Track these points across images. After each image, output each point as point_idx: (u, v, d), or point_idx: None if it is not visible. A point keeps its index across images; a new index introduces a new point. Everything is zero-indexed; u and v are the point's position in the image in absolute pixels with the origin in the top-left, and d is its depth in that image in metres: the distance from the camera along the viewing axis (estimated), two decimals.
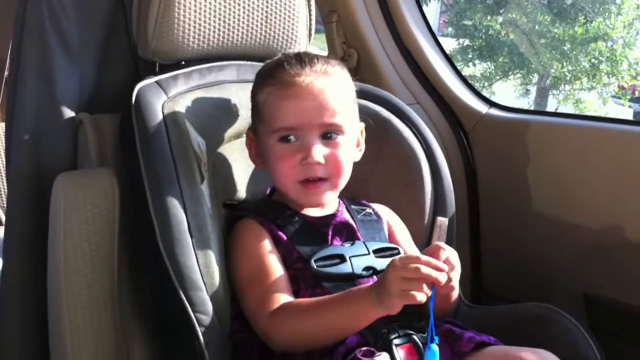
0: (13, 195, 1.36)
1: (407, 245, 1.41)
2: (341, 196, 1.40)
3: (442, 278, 1.10)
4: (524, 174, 1.81)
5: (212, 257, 1.24)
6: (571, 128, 1.80)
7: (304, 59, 1.30)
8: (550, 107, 6.85)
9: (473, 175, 1.92)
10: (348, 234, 1.35)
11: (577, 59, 6.69)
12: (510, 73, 7.12)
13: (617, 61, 6.57)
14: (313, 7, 1.55)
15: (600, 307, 1.68)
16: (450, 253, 1.16)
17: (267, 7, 1.45)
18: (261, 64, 1.37)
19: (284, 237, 1.29)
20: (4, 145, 1.48)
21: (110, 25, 1.42)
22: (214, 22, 1.39)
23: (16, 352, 1.37)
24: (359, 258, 1.28)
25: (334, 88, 1.29)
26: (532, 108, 6.59)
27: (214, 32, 1.40)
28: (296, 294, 1.25)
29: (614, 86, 6.79)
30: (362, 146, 1.40)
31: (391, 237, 1.42)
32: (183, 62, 1.42)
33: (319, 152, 1.27)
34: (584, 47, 6.59)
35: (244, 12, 1.42)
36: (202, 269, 1.21)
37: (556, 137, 1.78)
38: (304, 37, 1.54)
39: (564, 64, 6.70)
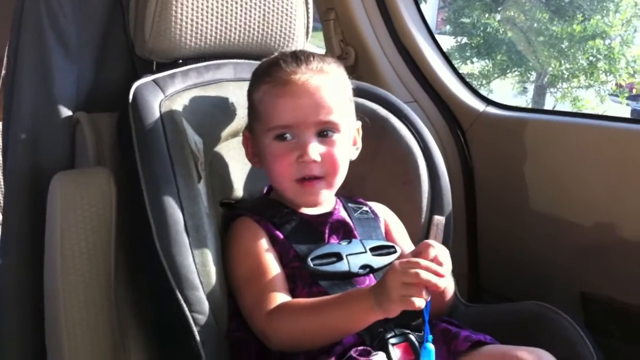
0: (10, 194, 1.36)
1: (404, 243, 1.41)
2: (338, 194, 1.40)
3: (441, 283, 1.10)
4: (521, 172, 1.81)
5: (209, 256, 1.23)
6: (569, 126, 1.80)
7: (300, 57, 1.29)
8: (548, 105, 6.85)
9: (470, 173, 1.92)
10: (345, 232, 1.35)
11: (574, 57, 6.69)
12: (508, 71, 7.11)
13: (615, 59, 6.57)
14: (310, 5, 1.55)
15: (597, 306, 1.68)
16: (439, 250, 1.15)
17: (264, 5, 1.45)
18: (258, 63, 1.37)
19: (281, 236, 1.29)
20: (1, 144, 1.48)
21: (107, 23, 1.42)
22: (211, 20, 1.39)
23: (14, 351, 1.37)
24: (355, 256, 1.28)
25: (330, 86, 1.29)
26: (529, 106, 6.59)
27: (211, 30, 1.39)
28: (293, 292, 1.25)
29: (611, 84, 6.79)
30: (359, 144, 1.40)
31: (388, 236, 1.42)
32: (180, 61, 1.42)
33: (315, 150, 1.27)
34: (582, 45, 6.59)
35: (241, 11, 1.42)
36: (199, 269, 1.21)
37: (553, 135, 1.79)
38: (302, 35, 1.54)
39: (562, 61, 6.70)
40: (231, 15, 1.41)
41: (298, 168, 1.28)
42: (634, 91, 6.90)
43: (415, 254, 1.17)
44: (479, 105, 1.94)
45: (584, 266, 1.70)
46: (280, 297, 1.22)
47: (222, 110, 1.40)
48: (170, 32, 1.35)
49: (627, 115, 6.62)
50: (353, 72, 1.94)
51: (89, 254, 1.26)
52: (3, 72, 1.37)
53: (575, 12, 6.68)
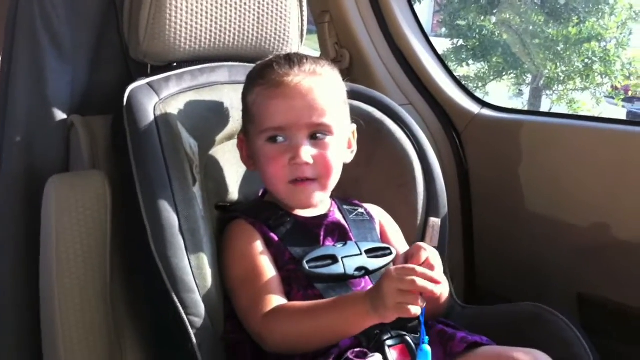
0: (5, 197, 1.35)
1: (400, 245, 1.41)
2: (333, 196, 1.40)
3: (437, 290, 1.10)
4: (517, 173, 1.81)
5: (205, 259, 1.23)
6: (564, 128, 1.80)
7: (293, 60, 1.30)
8: (544, 107, 6.87)
9: (465, 175, 1.92)
10: (340, 234, 1.35)
11: (570, 60, 6.71)
12: (504, 73, 7.13)
13: (611, 61, 6.59)
14: (305, 8, 1.55)
15: (594, 307, 1.68)
16: (430, 253, 1.16)
17: (259, 8, 1.45)
18: (253, 65, 1.37)
19: (276, 238, 1.29)
20: None
21: (101, 25, 1.42)
22: (206, 23, 1.39)
23: (10, 355, 1.37)
24: (351, 258, 1.28)
25: (322, 88, 1.29)
26: (526, 108, 6.60)
27: (205, 33, 1.39)
28: (288, 295, 1.25)
29: (607, 86, 6.81)
30: (354, 147, 1.40)
31: (383, 237, 1.42)
32: (175, 64, 1.42)
33: (307, 152, 1.27)
34: (578, 48, 6.61)
35: (235, 13, 1.42)
36: (195, 271, 1.21)
37: (549, 137, 1.79)
38: (296, 38, 1.54)
39: (558, 64, 6.72)
40: (225, 18, 1.41)
41: (290, 170, 1.28)
42: (630, 93, 6.92)
43: (406, 256, 1.17)
44: (474, 108, 1.94)
45: (581, 267, 1.70)
46: (276, 300, 1.22)
47: (217, 113, 1.40)
48: (165, 35, 1.35)
49: (623, 117, 6.63)
50: (348, 74, 1.94)
51: (84, 256, 1.25)
52: None
53: (571, 15, 6.70)
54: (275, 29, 1.49)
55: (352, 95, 1.43)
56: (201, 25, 1.38)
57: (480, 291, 1.92)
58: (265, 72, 1.30)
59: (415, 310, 1.09)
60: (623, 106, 6.80)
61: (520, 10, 6.76)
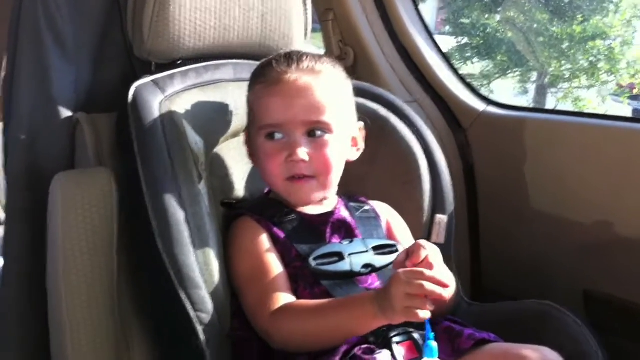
0: (11, 195, 1.36)
1: (407, 242, 1.40)
2: (339, 194, 1.40)
3: (446, 294, 1.10)
4: (522, 171, 1.81)
5: (211, 255, 1.23)
6: (570, 125, 1.79)
7: (292, 57, 1.30)
8: (549, 105, 6.85)
9: (471, 172, 1.92)
10: (346, 231, 1.35)
11: (575, 58, 6.69)
12: (509, 71, 7.12)
13: (616, 59, 6.58)
14: (309, 6, 1.55)
15: (599, 304, 1.68)
16: (430, 251, 1.15)
17: (263, 5, 1.45)
18: (258, 63, 1.37)
19: (282, 235, 1.29)
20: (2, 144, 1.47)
21: (105, 24, 1.42)
22: (210, 20, 1.39)
23: (17, 352, 1.37)
24: (357, 256, 1.28)
25: (321, 86, 1.29)
26: (531, 107, 6.59)
27: (210, 31, 1.39)
28: (295, 292, 1.25)
29: (612, 84, 6.80)
30: (361, 145, 1.40)
31: (390, 234, 1.41)
32: (179, 62, 1.42)
33: (303, 149, 1.27)
34: (582, 46, 6.59)
35: (240, 11, 1.42)
36: (202, 268, 1.21)
37: (554, 135, 1.78)
38: (301, 36, 1.54)
39: (563, 62, 6.71)
40: (230, 15, 1.41)
41: (287, 167, 1.28)
42: (635, 91, 6.91)
43: (406, 255, 1.16)
44: (480, 105, 1.93)
45: (586, 264, 1.69)
46: (284, 297, 1.22)
47: (222, 110, 1.40)
48: (169, 33, 1.35)
49: (629, 115, 6.62)
50: (352, 72, 1.94)
51: (90, 254, 1.25)
52: (3, 72, 1.36)
53: (575, 13, 6.68)
54: (280, 27, 1.48)
55: (357, 92, 1.42)
56: (205, 23, 1.38)
57: (486, 289, 1.91)
58: (265, 70, 1.31)
59: (424, 314, 1.09)
60: (629, 104, 6.79)
61: (524, 9, 6.75)
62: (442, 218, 1.51)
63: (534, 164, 1.79)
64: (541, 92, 7.04)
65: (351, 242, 1.31)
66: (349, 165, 1.38)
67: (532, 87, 7.21)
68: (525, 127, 1.82)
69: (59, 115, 1.35)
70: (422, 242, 1.17)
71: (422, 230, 1.50)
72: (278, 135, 1.28)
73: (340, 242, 1.31)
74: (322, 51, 2.02)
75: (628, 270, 1.62)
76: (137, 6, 1.36)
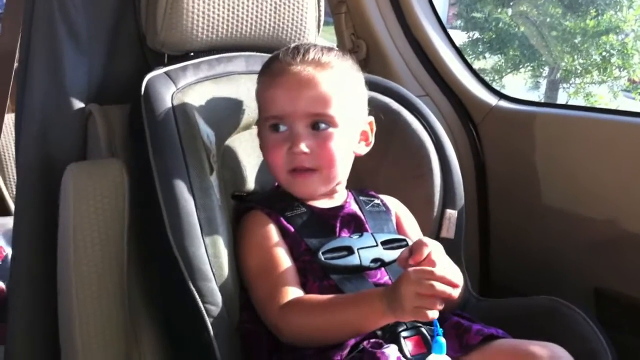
0: (22, 186, 1.36)
1: (416, 236, 1.39)
2: (349, 188, 1.40)
3: (455, 293, 1.09)
4: (534, 166, 1.80)
5: (222, 248, 1.23)
6: (581, 120, 1.78)
7: (298, 50, 1.30)
8: (561, 100, 6.82)
9: (482, 167, 1.91)
10: (356, 225, 1.34)
11: (588, 52, 6.65)
12: (520, 66, 7.08)
13: (629, 54, 6.53)
14: None
15: (609, 301, 1.67)
16: (433, 248, 1.14)
17: None
18: (270, 55, 1.37)
19: (292, 229, 1.29)
20: (14, 135, 1.48)
21: (118, 15, 1.42)
22: (223, 13, 1.39)
23: (27, 342, 1.38)
24: (367, 250, 1.28)
25: (326, 78, 1.28)
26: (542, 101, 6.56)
27: (222, 23, 1.39)
28: (304, 286, 1.25)
29: (624, 79, 6.76)
30: (371, 140, 1.39)
31: (399, 229, 1.41)
32: (192, 53, 1.42)
33: (304, 142, 1.27)
34: (595, 40, 6.55)
35: (252, 3, 1.42)
36: (211, 260, 1.21)
37: (566, 130, 1.77)
38: (313, 29, 1.53)
39: (575, 57, 6.67)
40: (243, 7, 1.41)
41: (289, 159, 1.28)
42: None
43: (409, 252, 1.15)
44: (491, 99, 1.93)
45: (597, 261, 1.69)
46: (293, 291, 1.22)
47: (234, 102, 1.40)
48: (182, 25, 1.35)
49: None
50: (365, 65, 1.94)
51: (101, 244, 1.26)
52: (16, 64, 1.37)
53: (589, 7, 6.64)
54: (292, 19, 1.48)
55: (369, 86, 1.42)
56: (218, 15, 1.38)
57: (495, 284, 1.91)
58: (272, 63, 1.32)
59: (433, 314, 1.09)
60: None
61: (537, 3, 6.71)
62: (452, 213, 1.51)
63: (546, 158, 1.79)
64: (553, 87, 7.00)
65: (361, 236, 1.31)
66: (359, 159, 1.37)
67: (543, 83, 7.18)
68: (537, 121, 1.81)
69: (71, 106, 1.36)
70: (425, 239, 1.17)
71: (432, 225, 1.50)
72: (282, 127, 1.28)
73: (349, 236, 1.31)
74: (334, 44, 2.01)
75: (639, 268, 1.62)
76: None
